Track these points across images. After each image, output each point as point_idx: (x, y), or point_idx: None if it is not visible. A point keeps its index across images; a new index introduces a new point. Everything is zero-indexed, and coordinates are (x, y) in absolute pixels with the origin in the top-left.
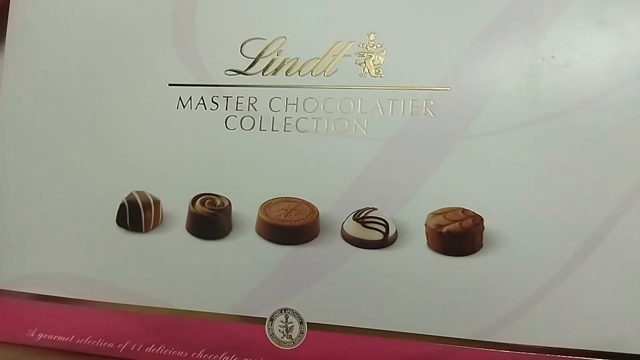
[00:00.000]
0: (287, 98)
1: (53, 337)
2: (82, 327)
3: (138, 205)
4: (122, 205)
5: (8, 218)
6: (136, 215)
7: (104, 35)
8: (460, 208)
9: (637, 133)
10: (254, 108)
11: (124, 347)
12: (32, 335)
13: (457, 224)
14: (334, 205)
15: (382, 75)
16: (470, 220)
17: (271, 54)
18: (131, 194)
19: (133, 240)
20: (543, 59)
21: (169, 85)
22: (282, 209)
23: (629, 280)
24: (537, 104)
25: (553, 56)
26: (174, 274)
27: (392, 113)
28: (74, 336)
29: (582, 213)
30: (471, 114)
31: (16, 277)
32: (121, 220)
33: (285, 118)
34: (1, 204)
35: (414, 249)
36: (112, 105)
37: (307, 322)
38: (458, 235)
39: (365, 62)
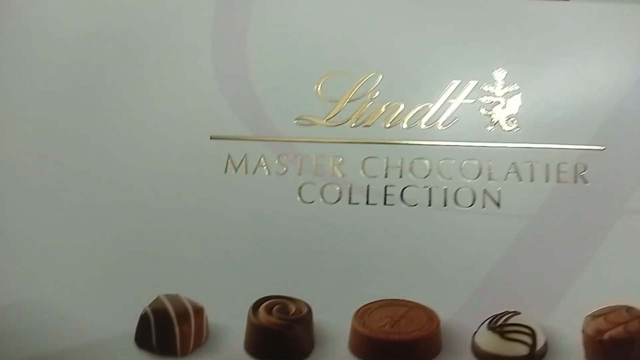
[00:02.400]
0: (387, 159)
1: None
2: None
3: (169, 315)
4: (143, 317)
5: None
6: (167, 330)
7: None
8: (625, 306)
9: None
10: (340, 172)
11: None
12: None
13: (621, 327)
14: (459, 310)
15: (519, 129)
16: (637, 322)
17: (362, 96)
18: (158, 299)
19: None
20: None
21: (211, 138)
22: (386, 316)
23: None
24: None
25: None
26: None
27: (534, 180)
28: None
29: None
30: (633, 180)
31: None
32: (143, 339)
33: (386, 187)
34: None
35: None
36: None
37: None
38: (623, 343)
39: (493, 111)
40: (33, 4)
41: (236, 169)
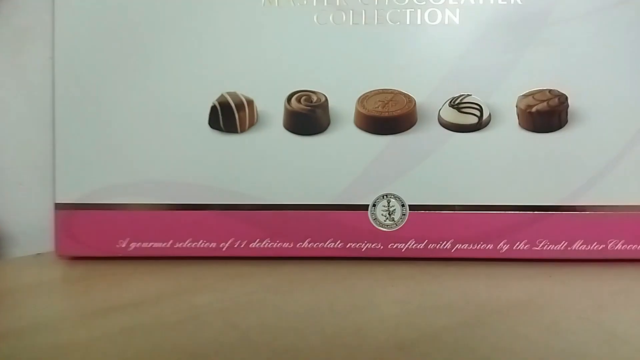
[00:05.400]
0: None
1: (148, 244)
2: (179, 231)
3: (230, 106)
4: (213, 108)
5: (90, 127)
6: (230, 116)
7: None
8: (547, 89)
9: None
10: (345, 2)
11: (227, 245)
12: (123, 246)
13: (545, 103)
14: (429, 94)
15: None
16: (556, 100)
17: None
18: (222, 95)
19: (229, 141)
20: None
21: None
22: (379, 100)
23: None
24: None
25: None
26: (274, 170)
27: (482, 2)
28: (171, 241)
29: None
30: (554, 0)
31: (100, 188)
32: (214, 123)
33: (377, 10)
34: (81, 112)
35: (507, 129)
36: (195, 5)
37: (408, 205)
38: (546, 114)
39: None
40: None
41: (270, 2)
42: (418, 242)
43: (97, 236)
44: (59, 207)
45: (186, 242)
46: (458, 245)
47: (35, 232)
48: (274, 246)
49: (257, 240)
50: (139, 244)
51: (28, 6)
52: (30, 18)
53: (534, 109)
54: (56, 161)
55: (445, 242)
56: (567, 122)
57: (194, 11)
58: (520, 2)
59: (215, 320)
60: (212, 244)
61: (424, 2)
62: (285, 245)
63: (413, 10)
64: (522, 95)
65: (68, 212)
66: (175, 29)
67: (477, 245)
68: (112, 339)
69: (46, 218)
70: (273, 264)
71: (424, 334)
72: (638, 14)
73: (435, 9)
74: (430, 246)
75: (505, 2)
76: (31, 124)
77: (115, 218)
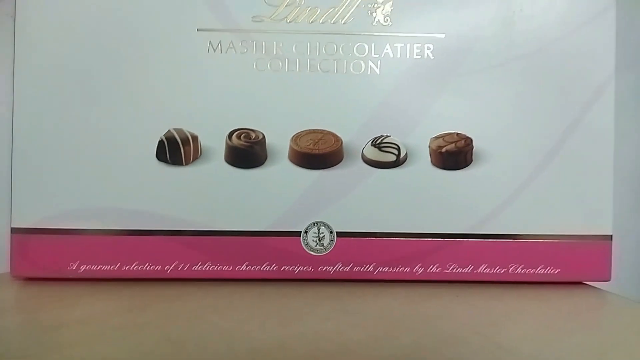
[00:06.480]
0: (309, 43)
1: (97, 267)
2: (127, 254)
3: (177, 140)
4: (160, 142)
5: (45, 157)
6: (176, 149)
7: None
8: (455, 132)
9: (581, 70)
10: (281, 51)
11: (171, 268)
12: (74, 268)
13: (453, 144)
14: (354, 134)
15: (391, 24)
16: (463, 141)
17: (293, 2)
18: (169, 131)
19: (174, 173)
20: (514, 12)
21: (198, 30)
22: (310, 139)
23: (577, 180)
24: (511, 47)
25: (521, 9)
26: (216, 200)
27: (399, 55)
28: (119, 264)
29: (543, 132)
30: (462, 56)
31: (54, 214)
32: (161, 155)
33: (309, 60)
34: (37, 144)
35: (421, 166)
36: (146, 49)
37: (336, 232)
38: (454, 154)
39: (375, 12)
40: None
41: (214, 50)
42: (344, 265)
43: (49, 258)
44: (14, 231)
45: (133, 265)
46: (379, 268)
47: None
48: (215, 269)
49: (199, 263)
50: (89, 266)
51: None
52: None
53: (443, 150)
54: (13, 189)
55: (368, 265)
56: (472, 161)
57: (146, 54)
58: (432, 57)
59: (154, 334)
60: (157, 266)
61: (350, 54)
62: (225, 268)
63: (340, 61)
64: (434, 137)
65: (23, 237)
66: (128, 69)
67: (396, 268)
68: (59, 351)
69: (2, 240)
70: (213, 285)
71: (340, 347)
72: (530, 70)
73: (360, 61)
74: (355, 269)
75: (419, 57)
76: None
77: (67, 242)
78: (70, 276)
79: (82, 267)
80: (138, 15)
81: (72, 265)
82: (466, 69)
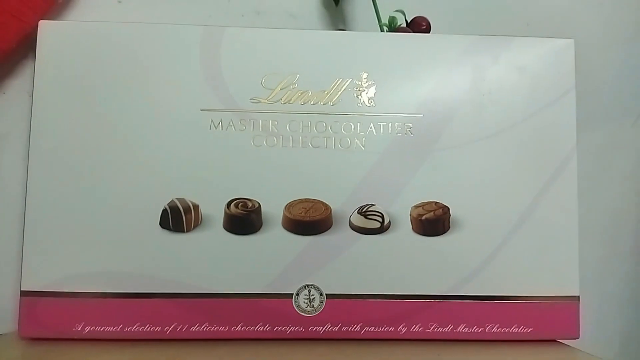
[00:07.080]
0: (301, 122)
1: (101, 328)
2: (128, 316)
3: (179, 209)
4: (164, 211)
5: (55, 225)
6: (178, 218)
7: (140, 67)
8: (434, 201)
9: (547, 145)
10: (276, 129)
11: (170, 329)
12: (79, 329)
13: (432, 213)
14: (342, 203)
15: (374, 105)
16: (440, 210)
17: (287, 86)
18: (172, 201)
19: (176, 239)
20: (483, 95)
21: (201, 110)
22: (302, 207)
23: (546, 245)
24: (482, 126)
25: (490, 93)
26: (214, 264)
27: (382, 133)
28: (121, 325)
29: (513, 201)
30: (438, 134)
31: (61, 278)
32: (164, 223)
33: (302, 137)
34: (47, 213)
35: (403, 233)
36: (152, 126)
37: (326, 294)
38: (433, 221)
39: (361, 95)
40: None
41: (216, 128)
42: (333, 325)
43: (56, 320)
44: (24, 294)
45: (134, 326)
46: (366, 328)
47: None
48: (212, 329)
49: (197, 324)
50: (93, 327)
51: (6, 115)
52: (8, 125)
53: (423, 217)
54: (24, 254)
55: (355, 325)
56: (449, 228)
57: (154, 131)
58: (412, 135)
59: None
60: (157, 327)
61: (338, 132)
62: (222, 328)
63: (330, 138)
64: (414, 205)
65: (32, 299)
66: (136, 145)
67: (381, 328)
68: None
69: (10, 302)
70: (210, 345)
71: None
72: (500, 146)
73: (347, 138)
74: (344, 329)
75: (401, 134)
76: (3, 222)
77: (73, 304)
78: (76, 337)
79: (87, 328)
80: (148, 97)
81: (77, 326)
82: (443, 145)
